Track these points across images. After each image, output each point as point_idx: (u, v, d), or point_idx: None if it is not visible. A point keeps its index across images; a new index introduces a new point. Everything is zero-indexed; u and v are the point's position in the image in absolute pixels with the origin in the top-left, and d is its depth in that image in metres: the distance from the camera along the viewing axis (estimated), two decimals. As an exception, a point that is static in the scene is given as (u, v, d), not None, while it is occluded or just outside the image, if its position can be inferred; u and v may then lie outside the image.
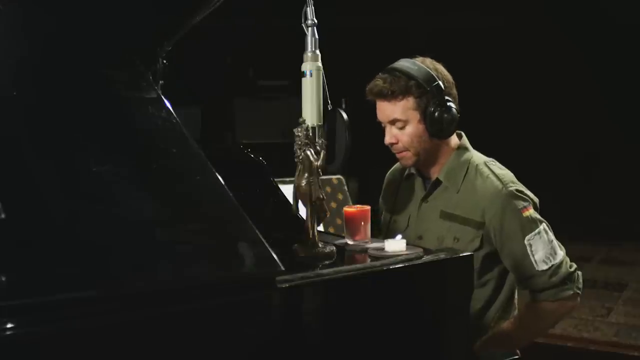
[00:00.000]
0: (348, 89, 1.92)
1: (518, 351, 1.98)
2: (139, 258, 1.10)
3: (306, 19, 1.46)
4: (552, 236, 1.87)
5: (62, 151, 1.17)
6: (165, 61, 1.54)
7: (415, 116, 1.87)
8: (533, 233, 1.84)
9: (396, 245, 1.44)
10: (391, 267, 1.38)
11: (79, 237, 1.06)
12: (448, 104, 1.86)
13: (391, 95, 1.86)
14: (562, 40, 7.34)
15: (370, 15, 7.27)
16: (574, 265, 1.89)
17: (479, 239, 1.86)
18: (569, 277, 1.87)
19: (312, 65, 1.45)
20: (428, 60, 1.92)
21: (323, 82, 1.47)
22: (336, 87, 1.56)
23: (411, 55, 1.95)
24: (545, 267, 1.84)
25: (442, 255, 1.48)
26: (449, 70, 1.94)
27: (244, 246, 1.23)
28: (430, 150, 1.92)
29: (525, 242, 1.83)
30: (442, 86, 1.86)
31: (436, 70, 1.90)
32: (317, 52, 1.46)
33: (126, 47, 1.36)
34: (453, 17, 7.33)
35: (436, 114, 1.85)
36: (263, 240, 1.20)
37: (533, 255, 1.83)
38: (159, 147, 1.28)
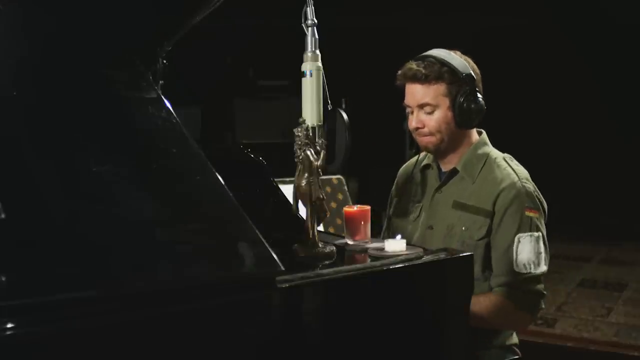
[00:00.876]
0: (348, 89, 1.93)
1: (518, 351, 1.99)
2: (139, 258, 1.10)
3: (306, 19, 1.46)
4: (543, 249, 1.87)
5: (62, 151, 1.17)
6: (165, 61, 1.54)
7: (445, 102, 1.90)
8: (526, 233, 1.84)
9: (396, 245, 1.44)
10: (391, 267, 1.38)
11: (79, 237, 1.06)
12: (477, 94, 1.89)
13: (425, 79, 1.90)
14: (562, 40, 7.34)
15: (371, 15, 7.27)
16: (545, 292, 1.89)
17: (485, 227, 1.87)
18: (536, 296, 1.87)
19: (312, 65, 1.45)
20: (459, 52, 1.96)
21: (323, 82, 1.48)
22: (336, 87, 1.56)
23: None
24: (523, 270, 1.84)
25: (442, 255, 1.48)
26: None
27: (244, 246, 1.23)
28: (452, 138, 1.94)
29: (516, 237, 1.84)
30: (474, 77, 1.90)
31: (467, 61, 1.94)
32: (317, 52, 1.46)
33: (126, 47, 1.36)
34: (453, 17, 7.33)
35: (465, 103, 1.88)
36: (263, 240, 1.20)
37: (516, 254, 1.84)
38: (159, 147, 1.28)
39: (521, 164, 1.99)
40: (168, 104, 1.33)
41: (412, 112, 1.95)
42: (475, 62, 1.97)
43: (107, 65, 1.33)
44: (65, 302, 0.99)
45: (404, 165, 2.17)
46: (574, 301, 4.83)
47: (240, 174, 1.56)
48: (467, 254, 1.52)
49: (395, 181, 2.16)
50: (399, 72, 1.94)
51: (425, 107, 1.91)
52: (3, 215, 1.02)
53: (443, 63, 1.89)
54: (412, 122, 1.94)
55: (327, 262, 1.38)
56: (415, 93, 1.92)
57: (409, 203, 2.05)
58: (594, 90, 7.31)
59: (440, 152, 1.98)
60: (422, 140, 1.95)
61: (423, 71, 1.89)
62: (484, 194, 1.90)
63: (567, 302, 4.80)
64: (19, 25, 1.26)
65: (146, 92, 1.34)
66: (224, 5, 1.44)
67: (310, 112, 1.44)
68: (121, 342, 1.04)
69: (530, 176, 1.95)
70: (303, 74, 1.45)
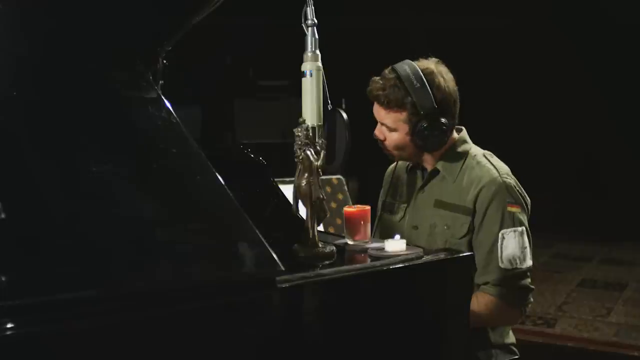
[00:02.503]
0: (348, 89, 1.93)
1: (516, 350, 1.99)
2: (139, 258, 1.10)
3: (306, 19, 1.46)
4: (527, 243, 1.86)
5: (62, 151, 1.17)
6: (165, 61, 1.54)
7: (404, 128, 1.90)
8: (510, 229, 1.84)
9: (396, 245, 1.44)
10: (391, 267, 1.38)
11: (79, 237, 1.06)
12: (439, 123, 1.86)
13: (386, 105, 1.88)
14: (562, 40, 7.34)
15: (370, 15, 7.27)
16: (533, 286, 1.89)
17: (467, 225, 1.87)
18: (524, 291, 1.87)
19: (312, 65, 1.45)
20: (433, 66, 1.89)
21: (323, 82, 1.47)
22: (336, 87, 1.56)
23: (411, 55, 1.95)
24: (509, 266, 1.83)
25: (442, 255, 1.48)
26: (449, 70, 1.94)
27: (244, 246, 1.23)
28: (417, 156, 1.97)
29: (500, 234, 1.83)
30: (438, 108, 1.85)
31: (439, 85, 1.86)
32: (317, 52, 1.46)
33: (126, 47, 1.36)
34: (453, 18, 7.33)
35: (425, 132, 1.87)
36: (263, 240, 1.20)
37: (501, 250, 1.83)
38: (159, 147, 1.28)
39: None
40: (168, 104, 1.33)
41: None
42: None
43: (107, 65, 1.33)
44: (65, 302, 0.99)
45: (391, 166, 2.17)
46: (574, 301, 4.83)
47: (240, 174, 1.56)
48: (468, 253, 1.52)
49: (384, 181, 2.17)
50: (368, 87, 1.92)
51: (385, 127, 1.92)
52: (3, 215, 1.02)
53: (408, 92, 1.83)
54: (375, 132, 1.95)
55: (327, 262, 1.38)
56: (378, 112, 1.93)
57: (395, 203, 2.05)
58: (594, 90, 7.32)
59: (407, 159, 1.99)
60: (385, 151, 1.97)
61: (386, 96, 1.86)
62: (464, 192, 1.90)
63: (567, 302, 4.80)
64: (19, 25, 1.26)
65: (146, 92, 1.34)
66: (224, 5, 1.44)
67: (310, 112, 1.44)
68: (121, 342, 1.04)
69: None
70: (303, 74, 1.45)
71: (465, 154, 1.95)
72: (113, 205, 1.14)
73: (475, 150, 1.98)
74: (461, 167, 1.93)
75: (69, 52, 1.29)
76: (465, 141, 1.99)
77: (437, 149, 1.93)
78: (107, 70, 1.32)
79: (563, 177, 7.35)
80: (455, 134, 1.98)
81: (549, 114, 7.58)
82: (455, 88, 1.92)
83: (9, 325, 0.94)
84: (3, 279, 0.98)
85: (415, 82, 1.84)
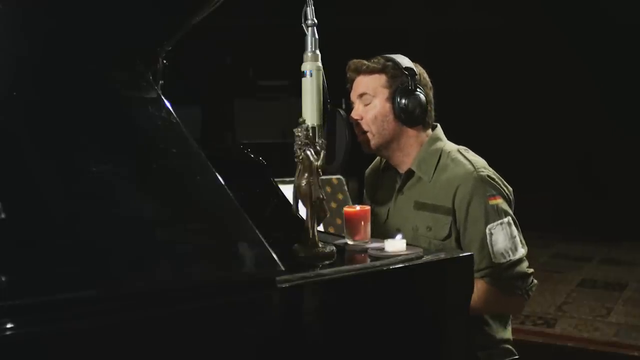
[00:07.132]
0: (348, 89, 1.93)
1: (515, 350, 1.99)
2: (139, 258, 1.10)
3: (306, 19, 1.46)
4: (515, 232, 1.86)
5: (62, 151, 1.17)
6: (165, 61, 1.54)
7: (383, 93, 1.90)
8: (496, 223, 1.83)
9: (396, 245, 1.44)
10: (391, 267, 1.38)
11: (79, 237, 1.06)
12: (418, 90, 1.89)
13: (366, 70, 1.93)
14: (561, 40, 7.34)
15: (370, 15, 7.27)
16: (531, 270, 1.88)
17: (448, 226, 1.86)
18: (522, 278, 1.86)
19: (312, 65, 1.45)
20: (415, 64, 1.96)
21: (323, 82, 1.48)
22: (336, 87, 1.56)
23: (410, 55, 1.96)
24: (503, 260, 1.83)
25: (442, 255, 1.48)
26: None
27: (244, 246, 1.23)
28: (394, 136, 1.93)
29: (487, 230, 1.83)
30: (417, 76, 1.91)
31: (417, 68, 1.95)
32: (317, 52, 1.46)
33: (126, 47, 1.36)
34: (452, 18, 7.33)
35: (404, 96, 1.88)
36: (263, 240, 1.20)
37: (492, 246, 1.82)
38: (159, 147, 1.28)
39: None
40: (168, 104, 1.33)
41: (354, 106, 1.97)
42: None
43: (107, 65, 1.33)
44: (65, 302, 0.99)
45: (369, 168, 2.17)
46: (574, 301, 4.83)
47: (240, 174, 1.56)
48: (467, 254, 1.52)
49: (364, 184, 2.17)
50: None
51: (364, 97, 1.92)
52: (3, 215, 1.02)
53: (388, 59, 1.93)
54: (352, 114, 1.95)
55: (327, 262, 1.38)
56: (357, 84, 1.95)
57: (377, 206, 2.04)
58: (594, 90, 7.32)
59: (382, 151, 1.98)
60: (361, 141, 1.95)
61: (367, 63, 1.93)
62: (442, 192, 1.89)
63: (567, 302, 4.80)
64: (19, 25, 1.26)
65: (146, 92, 1.34)
66: (224, 5, 1.44)
67: (310, 112, 1.44)
68: (121, 342, 1.04)
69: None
70: (303, 74, 1.45)
71: (438, 152, 1.94)
72: (113, 205, 1.14)
73: (449, 147, 1.97)
74: (436, 166, 1.92)
75: (69, 52, 1.29)
76: (439, 138, 1.98)
77: (415, 122, 1.92)
78: (107, 70, 1.32)
79: (563, 177, 7.34)
80: (429, 131, 1.98)
81: (548, 114, 7.58)
82: (431, 89, 1.95)
83: (9, 325, 0.94)
84: (3, 279, 0.98)
85: (396, 55, 1.95)
